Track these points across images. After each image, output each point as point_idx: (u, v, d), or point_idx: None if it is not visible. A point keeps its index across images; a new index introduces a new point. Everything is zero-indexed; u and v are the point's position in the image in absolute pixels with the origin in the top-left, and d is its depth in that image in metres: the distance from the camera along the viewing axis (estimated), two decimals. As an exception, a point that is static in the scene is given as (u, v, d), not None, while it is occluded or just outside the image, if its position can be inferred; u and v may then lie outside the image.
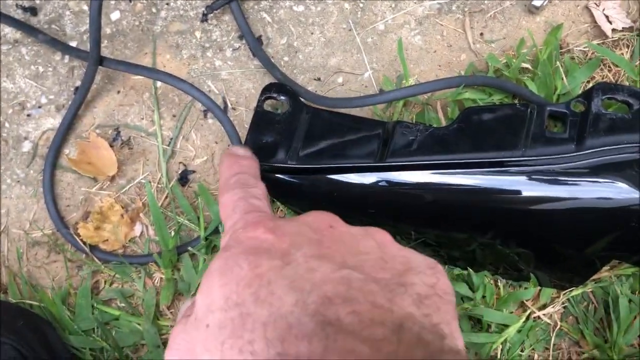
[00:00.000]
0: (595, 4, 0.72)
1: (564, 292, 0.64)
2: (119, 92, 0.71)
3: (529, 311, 0.63)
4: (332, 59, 0.71)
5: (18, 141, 0.69)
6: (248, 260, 0.33)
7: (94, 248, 0.66)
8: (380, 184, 0.55)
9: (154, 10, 0.73)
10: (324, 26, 0.72)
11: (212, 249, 0.65)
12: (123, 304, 0.65)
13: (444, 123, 0.66)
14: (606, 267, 0.64)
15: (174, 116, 0.70)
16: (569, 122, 0.54)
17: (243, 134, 0.66)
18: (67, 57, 0.72)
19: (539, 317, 0.64)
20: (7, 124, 0.70)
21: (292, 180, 0.56)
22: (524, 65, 0.67)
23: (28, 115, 0.70)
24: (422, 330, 0.29)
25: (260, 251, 0.34)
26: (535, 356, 0.64)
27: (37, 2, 0.73)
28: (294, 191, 0.57)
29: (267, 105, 0.58)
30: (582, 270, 0.59)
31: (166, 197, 0.67)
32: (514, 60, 0.67)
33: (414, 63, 0.71)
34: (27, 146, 0.70)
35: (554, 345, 0.64)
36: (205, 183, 0.67)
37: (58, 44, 0.70)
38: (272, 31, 0.72)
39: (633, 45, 0.70)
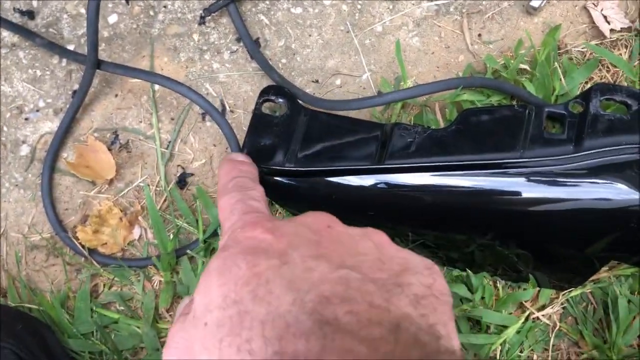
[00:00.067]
0: (594, 4, 0.72)
1: (563, 292, 0.64)
2: (116, 95, 0.71)
3: (528, 312, 0.63)
4: (330, 61, 0.71)
5: (16, 145, 0.69)
6: (246, 260, 0.33)
7: (92, 251, 0.66)
8: (378, 186, 0.55)
9: (151, 13, 0.73)
10: (321, 28, 0.72)
11: (210, 251, 0.65)
12: (122, 307, 0.65)
13: (442, 125, 0.66)
14: (605, 268, 0.64)
15: (172, 119, 0.70)
16: (567, 123, 0.54)
17: (241, 136, 0.65)
18: (64, 60, 0.72)
19: (538, 318, 0.64)
20: (5, 128, 0.70)
21: (290, 182, 0.56)
22: (522, 66, 0.67)
23: (26, 119, 0.70)
24: (418, 330, 0.29)
25: (259, 251, 0.34)
26: (535, 357, 0.64)
27: (35, 5, 0.73)
28: (292, 194, 0.57)
29: (265, 108, 0.58)
30: (581, 271, 0.59)
31: (165, 200, 0.67)
32: (512, 62, 0.67)
33: (412, 64, 0.71)
34: (25, 150, 0.69)
35: (553, 346, 0.64)
36: (203, 186, 0.67)
37: (56, 48, 0.70)
38: (269, 33, 0.72)
39: (631, 46, 0.70)
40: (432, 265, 0.35)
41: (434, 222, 0.57)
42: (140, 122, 0.70)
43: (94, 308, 0.64)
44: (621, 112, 0.54)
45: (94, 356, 0.63)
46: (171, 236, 0.65)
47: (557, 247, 0.56)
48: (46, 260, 0.67)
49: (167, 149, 0.69)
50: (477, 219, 0.55)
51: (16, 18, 0.72)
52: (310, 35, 0.72)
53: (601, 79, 0.69)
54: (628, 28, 0.71)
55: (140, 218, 0.67)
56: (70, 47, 0.72)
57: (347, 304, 0.30)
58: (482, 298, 0.62)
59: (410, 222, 0.58)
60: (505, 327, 0.62)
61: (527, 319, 0.63)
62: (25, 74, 0.72)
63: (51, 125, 0.70)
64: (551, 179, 0.52)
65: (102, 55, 0.71)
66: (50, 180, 0.68)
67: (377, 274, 0.33)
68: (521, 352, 0.63)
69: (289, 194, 0.57)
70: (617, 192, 0.51)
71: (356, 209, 0.57)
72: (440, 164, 0.54)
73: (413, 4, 0.73)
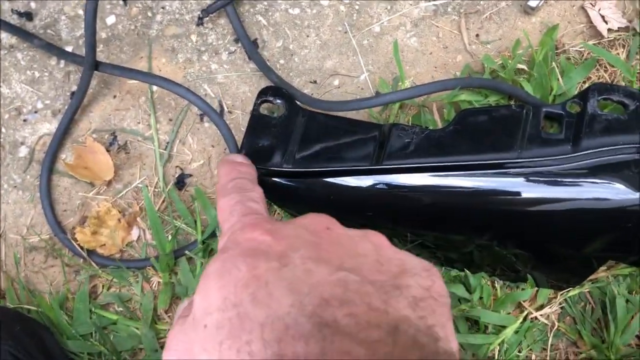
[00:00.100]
0: (591, 4, 0.72)
1: (561, 292, 0.64)
2: (115, 96, 0.71)
3: (526, 312, 0.63)
4: (328, 61, 0.71)
5: (15, 146, 0.69)
6: (246, 262, 0.33)
7: (91, 253, 0.66)
8: (376, 186, 0.55)
9: (149, 14, 0.73)
10: (319, 29, 0.72)
11: (209, 252, 0.65)
12: (121, 308, 0.65)
13: (440, 125, 0.66)
14: (603, 268, 0.64)
15: (171, 120, 0.70)
16: (564, 123, 0.54)
17: (239, 137, 0.65)
18: (62, 62, 0.72)
19: (536, 318, 0.64)
20: (3, 129, 0.70)
21: (288, 183, 0.56)
22: (520, 66, 0.68)
23: (24, 120, 0.70)
24: (417, 332, 0.29)
25: (258, 253, 0.34)
26: (533, 357, 0.64)
27: (33, 7, 0.73)
28: (290, 194, 0.57)
29: (264, 109, 0.58)
30: (579, 271, 0.59)
31: (163, 201, 0.67)
32: (510, 61, 0.68)
33: (409, 65, 0.71)
34: (23, 151, 0.70)
35: (551, 345, 0.64)
36: (202, 187, 0.67)
37: (54, 49, 0.70)
38: (267, 34, 0.72)
39: (629, 45, 0.70)
40: (431, 267, 0.35)
41: (432, 223, 0.57)
42: (139, 123, 0.70)
43: (93, 309, 0.64)
44: (619, 112, 0.54)
45: (93, 357, 0.63)
46: (169, 237, 0.65)
47: (555, 246, 0.56)
48: (45, 262, 0.67)
49: (165, 150, 0.69)
50: (475, 219, 0.56)
51: (14, 19, 0.73)
52: (308, 36, 0.72)
53: (599, 78, 0.70)
54: (625, 28, 0.71)
55: (138, 219, 0.67)
56: (69, 49, 0.72)
57: (346, 306, 0.30)
58: (480, 298, 0.63)
59: (408, 222, 0.58)
60: (504, 327, 0.62)
61: (525, 318, 0.63)
62: (24, 76, 0.72)
63: (49, 126, 0.70)
64: (549, 179, 0.52)
65: (100, 56, 0.71)
66: (48, 182, 0.68)
67: (375, 276, 0.33)
68: (519, 352, 0.63)
69: (287, 195, 0.57)
70: (615, 191, 0.51)
71: (354, 210, 0.57)
72: (438, 164, 0.54)
73: (411, 4, 0.73)
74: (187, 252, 0.64)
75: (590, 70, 0.68)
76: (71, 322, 0.63)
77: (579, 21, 0.73)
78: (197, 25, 0.72)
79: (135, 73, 0.67)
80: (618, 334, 0.62)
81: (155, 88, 0.70)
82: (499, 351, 0.62)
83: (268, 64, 0.70)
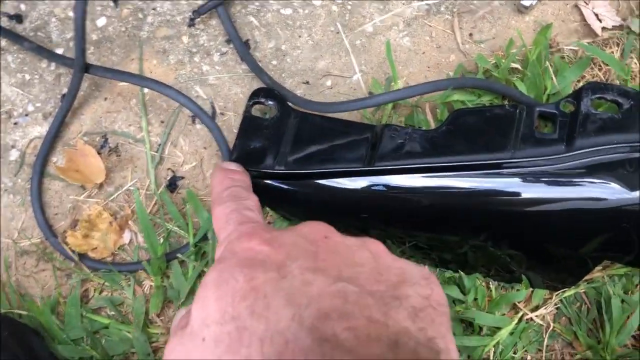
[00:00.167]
0: (585, 2, 0.72)
1: (556, 293, 0.64)
2: (106, 99, 0.70)
3: (521, 313, 0.63)
4: (321, 62, 0.71)
5: (5, 150, 0.69)
6: (243, 273, 0.33)
7: (83, 256, 0.65)
8: (369, 188, 0.54)
9: (140, 15, 0.73)
10: (311, 29, 0.72)
11: (201, 255, 0.64)
12: (113, 312, 0.64)
13: (433, 125, 0.66)
14: (599, 268, 0.64)
15: (162, 122, 0.69)
16: (558, 122, 0.54)
17: (232, 139, 0.65)
18: (53, 64, 0.71)
19: (531, 319, 0.63)
20: (-6, 133, 0.69)
21: (280, 185, 0.56)
22: (514, 65, 0.67)
23: (15, 123, 0.70)
24: (417, 345, 0.29)
25: (256, 263, 0.34)
26: (528, 358, 0.63)
27: (23, 9, 0.73)
28: (282, 197, 0.57)
29: (256, 111, 0.58)
30: (574, 271, 0.59)
31: (155, 204, 0.67)
32: (503, 61, 0.67)
33: (402, 65, 0.71)
34: (14, 155, 0.69)
35: (547, 346, 0.63)
36: (194, 189, 0.67)
37: (44, 52, 0.70)
38: (259, 35, 0.72)
39: (623, 44, 0.70)
40: (430, 275, 0.35)
41: (425, 224, 0.57)
42: (130, 125, 0.69)
43: (85, 313, 0.63)
44: (612, 111, 0.53)
45: (85, 362, 0.63)
46: (161, 240, 0.64)
47: (550, 247, 0.56)
48: (36, 266, 0.66)
49: (157, 152, 0.68)
50: (468, 219, 0.55)
51: (4, 22, 0.72)
52: (300, 37, 0.72)
53: (593, 77, 0.69)
54: (620, 26, 0.71)
55: (130, 222, 0.67)
56: (59, 51, 0.71)
57: (346, 319, 0.29)
58: (475, 299, 0.62)
59: (402, 224, 0.57)
60: (499, 328, 0.62)
61: (520, 320, 0.63)
62: (14, 78, 0.71)
63: (40, 129, 0.70)
64: (543, 179, 0.52)
65: (91, 58, 0.70)
66: (39, 185, 0.67)
67: (374, 286, 0.33)
68: (515, 353, 0.62)
69: (280, 197, 0.57)
70: (609, 191, 0.51)
71: (348, 212, 0.57)
72: (431, 165, 0.53)
73: (403, 4, 0.73)
74: (179, 255, 0.64)
75: (585, 69, 0.68)
76: (62, 326, 0.63)
77: (573, 20, 0.72)
78: (189, 26, 0.72)
79: (126, 75, 0.66)
80: (614, 334, 0.61)
81: (146, 90, 0.70)
82: (494, 353, 0.62)
83: (260, 65, 0.69)
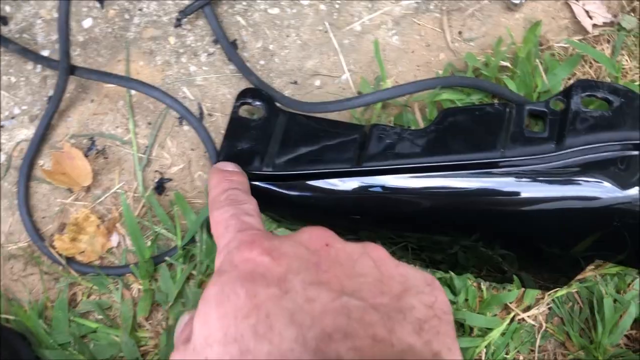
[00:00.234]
0: (575, -1, 0.72)
1: (548, 293, 0.63)
2: (92, 100, 0.70)
3: (513, 313, 0.62)
4: (309, 61, 0.70)
5: (-9, 153, 0.68)
6: (244, 288, 0.32)
7: (70, 260, 0.64)
8: (358, 189, 0.54)
9: (126, 16, 0.72)
10: (299, 28, 0.71)
11: (189, 258, 0.64)
12: (100, 316, 0.64)
13: (422, 125, 0.66)
14: (591, 267, 0.63)
15: (149, 124, 0.69)
16: (548, 120, 0.53)
17: (219, 140, 0.65)
18: (39, 66, 0.71)
19: (523, 319, 0.63)
20: (-21, 136, 0.69)
21: (269, 187, 0.55)
22: (503, 63, 0.67)
23: (1, 126, 0.69)
24: None
25: (256, 277, 0.33)
26: (521, 358, 0.63)
27: (8, 10, 0.72)
28: (271, 198, 0.56)
29: (243, 111, 0.57)
30: (566, 271, 0.58)
31: (143, 207, 0.66)
32: (493, 59, 0.67)
33: (391, 64, 0.70)
34: (1, 158, 0.68)
35: (539, 347, 0.63)
36: (182, 191, 0.66)
37: (29, 54, 0.69)
38: (247, 35, 0.71)
39: (614, 41, 0.70)
40: (433, 281, 0.35)
41: (415, 224, 0.56)
42: (117, 127, 0.69)
43: (72, 317, 0.63)
44: (603, 108, 0.53)
45: (72, 367, 0.62)
46: (149, 243, 0.64)
47: (542, 246, 0.56)
48: (24, 270, 0.66)
49: (144, 154, 0.68)
50: (459, 219, 0.55)
51: (-11, 24, 0.71)
52: (288, 36, 0.71)
53: (584, 74, 0.69)
54: (610, 23, 0.70)
55: (118, 225, 0.66)
56: (45, 53, 0.71)
57: (350, 339, 0.29)
58: (466, 300, 0.62)
59: (391, 224, 0.57)
60: (490, 329, 0.61)
61: (512, 320, 0.62)
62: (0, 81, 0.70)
63: (27, 132, 0.69)
64: (533, 178, 0.52)
65: (78, 60, 0.70)
66: (26, 189, 0.67)
67: (377, 299, 0.32)
68: (507, 354, 0.62)
69: (268, 199, 0.56)
70: (600, 190, 0.51)
71: (337, 213, 0.56)
72: (420, 165, 0.53)
73: (392, 2, 0.72)
74: (167, 258, 0.63)
75: (575, 67, 0.67)
76: (50, 330, 0.62)
77: (563, 17, 0.72)
78: (175, 26, 0.71)
79: (112, 77, 0.66)
80: (606, 334, 0.61)
81: (133, 92, 0.69)
82: (486, 354, 0.61)
83: (248, 65, 0.69)
